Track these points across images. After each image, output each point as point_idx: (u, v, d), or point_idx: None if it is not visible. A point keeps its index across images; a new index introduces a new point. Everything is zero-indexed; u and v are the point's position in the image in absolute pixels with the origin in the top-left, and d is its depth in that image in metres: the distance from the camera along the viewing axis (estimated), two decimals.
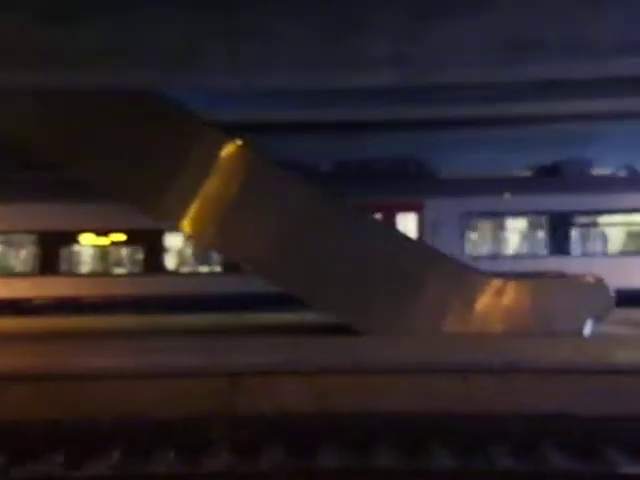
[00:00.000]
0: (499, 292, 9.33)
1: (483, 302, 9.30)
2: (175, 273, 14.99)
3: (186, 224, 9.71)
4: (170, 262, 15.08)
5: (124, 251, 15.20)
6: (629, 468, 5.71)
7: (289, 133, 14.71)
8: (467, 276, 9.53)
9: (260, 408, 6.71)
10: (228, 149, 9.62)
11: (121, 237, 14.66)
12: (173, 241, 14.89)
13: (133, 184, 9.51)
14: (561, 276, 10.08)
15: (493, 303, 9.28)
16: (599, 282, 9.48)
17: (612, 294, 9.37)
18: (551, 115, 14.86)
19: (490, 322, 9.21)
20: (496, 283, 9.45)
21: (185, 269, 15.33)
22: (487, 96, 12.90)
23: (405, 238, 10.27)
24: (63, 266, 14.71)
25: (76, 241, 14.81)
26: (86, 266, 15.25)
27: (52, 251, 14.51)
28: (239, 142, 9.72)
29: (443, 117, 14.33)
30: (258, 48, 7.97)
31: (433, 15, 7.79)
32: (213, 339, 8.76)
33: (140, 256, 14.91)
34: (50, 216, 14.36)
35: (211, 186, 9.51)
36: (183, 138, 9.48)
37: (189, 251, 15.28)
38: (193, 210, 9.52)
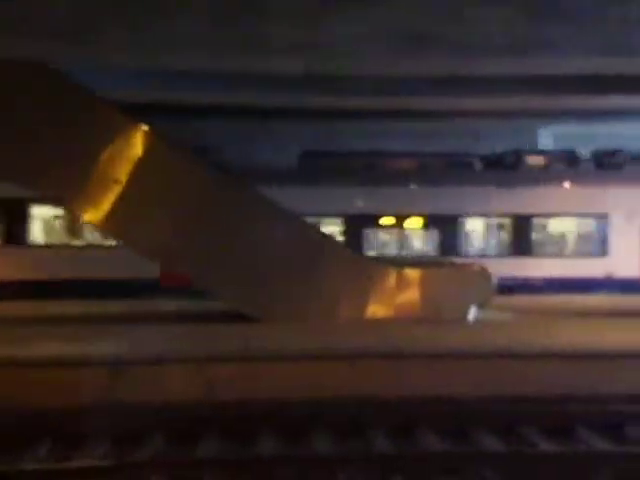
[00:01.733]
0: (389, 279, 9.62)
1: (374, 289, 9.56)
2: None
3: (80, 206, 9.31)
4: None
5: None
6: (496, 447, 6.06)
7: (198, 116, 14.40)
8: (359, 263, 9.76)
9: (144, 397, 6.56)
10: (125, 129, 9.26)
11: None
12: None
13: (20, 159, 8.97)
14: (448, 265, 10.53)
15: (383, 290, 9.56)
16: (482, 270, 9.99)
17: (494, 282, 9.92)
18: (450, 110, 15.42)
19: (380, 309, 9.48)
20: (386, 271, 9.73)
21: None
22: (384, 88, 13.18)
23: (302, 225, 10.33)
24: None
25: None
26: None
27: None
28: (134, 121, 9.39)
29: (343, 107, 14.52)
30: (161, 27, 7.73)
31: (336, 3, 7.83)
32: (97, 327, 8.44)
33: None
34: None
35: (105, 168, 9.14)
36: (77, 116, 9.05)
37: None
38: (87, 193, 9.12)
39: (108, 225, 9.37)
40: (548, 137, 21.37)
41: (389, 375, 7.29)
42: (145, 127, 9.37)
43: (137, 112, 10.27)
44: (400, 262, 10.43)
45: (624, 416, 6.58)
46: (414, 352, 7.46)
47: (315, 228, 10.85)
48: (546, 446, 6.04)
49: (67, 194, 9.22)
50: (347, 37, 8.09)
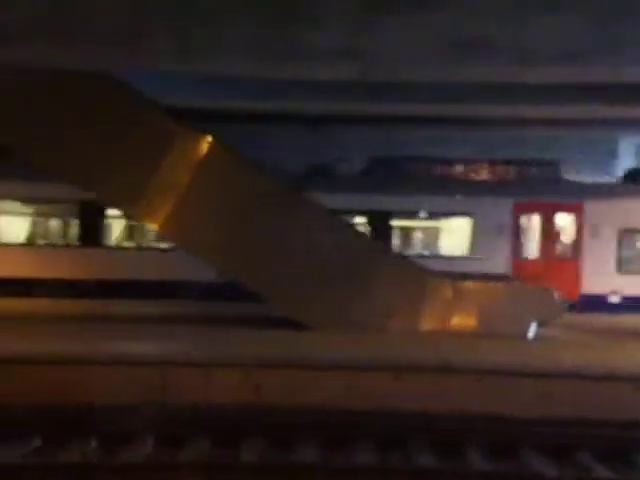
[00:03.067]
0: (446, 293, 9.39)
1: (430, 302, 9.35)
2: None
3: (138, 211, 9.63)
4: None
5: None
6: (550, 470, 5.76)
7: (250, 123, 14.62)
8: (416, 275, 9.56)
9: (192, 399, 6.67)
10: (182, 136, 9.50)
11: None
12: None
13: (83, 167, 9.37)
14: (509, 281, 10.18)
15: (440, 304, 9.34)
16: (546, 288, 9.61)
17: (560, 300, 9.51)
18: (505, 118, 15.00)
19: (434, 322, 9.26)
20: (443, 284, 9.50)
21: None
22: (440, 95, 12.96)
23: (357, 234, 10.26)
24: None
25: None
26: None
27: None
28: (190, 128, 9.63)
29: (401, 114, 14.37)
30: (209, 33, 7.90)
31: (385, 10, 7.78)
32: (149, 327, 8.65)
33: None
34: None
35: (165, 174, 9.40)
36: (138, 124, 9.36)
37: None
38: (146, 197, 9.40)
39: (166, 230, 9.63)
40: (629, 147, 20.45)
41: (436, 389, 7.11)
42: (202, 133, 9.59)
43: (193, 118, 10.51)
44: (459, 275, 10.16)
45: None
46: (463, 367, 7.23)
47: (368, 236, 10.73)
48: (601, 472, 5.70)
49: (127, 200, 9.51)
50: (396, 43, 8.00)
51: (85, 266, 12.73)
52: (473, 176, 15.75)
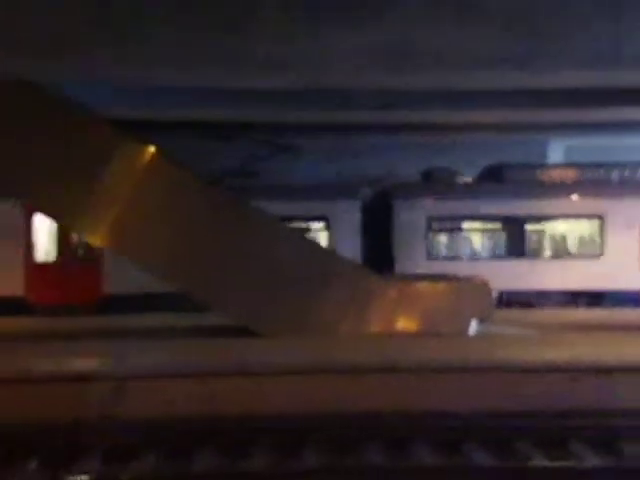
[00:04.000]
0: (391, 294, 9.68)
1: (376, 304, 9.61)
2: None
3: (77, 221, 9.48)
4: None
5: None
6: (490, 462, 6.07)
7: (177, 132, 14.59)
8: (360, 277, 9.82)
9: (147, 412, 6.65)
10: (123, 146, 9.44)
11: None
12: None
13: (22, 179, 9.18)
14: (449, 279, 10.57)
15: (386, 305, 9.61)
16: (482, 285, 10.02)
17: (494, 296, 9.95)
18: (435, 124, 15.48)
19: (381, 323, 9.53)
20: (388, 285, 9.79)
21: None
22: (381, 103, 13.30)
23: (303, 239, 10.45)
24: None
25: None
26: None
27: None
28: (130, 138, 9.58)
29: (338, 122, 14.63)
30: (143, 42, 7.91)
31: (321, 20, 7.99)
32: (100, 342, 8.57)
33: None
34: None
35: (106, 185, 9.32)
36: (71, 134, 9.24)
37: None
38: (87, 209, 9.29)
39: (110, 242, 9.53)
40: (559, 151, 21.42)
41: (386, 389, 7.34)
42: (144, 143, 9.56)
43: (144, 129, 10.46)
44: (402, 276, 10.49)
45: (619, 431, 6.57)
46: (411, 366, 7.50)
47: (316, 243, 10.93)
48: (539, 460, 6.05)
49: (67, 212, 9.37)
50: (331, 52, 8.22)
51: None
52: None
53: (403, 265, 13.23)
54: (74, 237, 12.98)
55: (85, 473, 5.64)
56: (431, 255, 13.51)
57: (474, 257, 13.94)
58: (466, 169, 16.64)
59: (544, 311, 12.84)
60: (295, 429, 6.50)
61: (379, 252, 13.35)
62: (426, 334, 9.33)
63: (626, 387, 7.34)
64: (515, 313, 12.25)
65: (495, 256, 13.84)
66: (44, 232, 13.13)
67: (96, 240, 9.97)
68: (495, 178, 14.15)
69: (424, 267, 13.06)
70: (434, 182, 14.19)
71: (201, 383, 6.92)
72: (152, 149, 9.55)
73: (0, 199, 11.64)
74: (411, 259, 13.26)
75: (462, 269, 12.34)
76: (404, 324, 9.60)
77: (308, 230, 13.60)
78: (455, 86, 10.79)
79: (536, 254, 13.89)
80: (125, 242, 9.50)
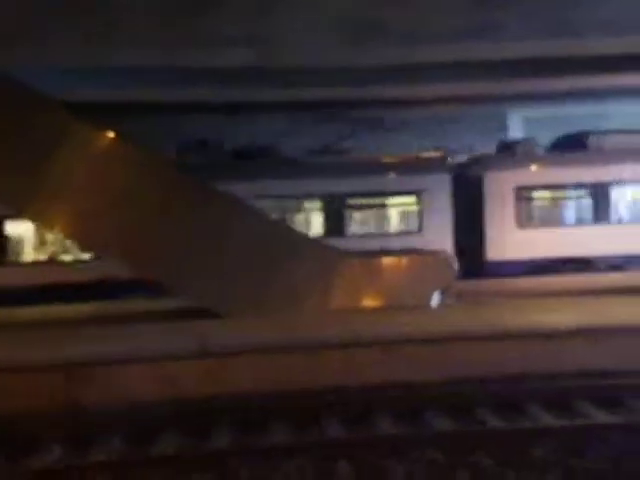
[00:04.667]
0: (352, 269, 9.69)
1: (339, 280, 9.61)
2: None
3: (32, 208, 9.25)
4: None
5: None
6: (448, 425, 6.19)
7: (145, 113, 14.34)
8: (321, 254, 9.80)
9: (102, 398, 6.59)
10: (79, 131, 9.20)
11: None
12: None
13: None
14: (411, 252, 10.63)
15: (346, 280, 9.63)
16: (444, 257, 10.12)
17: (456, 268, 10.05)
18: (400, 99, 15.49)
19: (344, 299, 9.55)
20: (350, 261, 9.80)
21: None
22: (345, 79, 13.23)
23: (264, 219, 10.36)
24: None
25: None
26: None
27: None
28: (91, 123, 9.35)
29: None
30: (105, 24, 7.73)
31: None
32: (49, 330, 8.41)
33: None
34: None
35: (61, 171, 9.08)
36: (26, 120, 8.96)
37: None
38: (42, 196, 9.05)
39: (67, 230, 9.33)
40: (517, 122, 21.63)
41: (348, 364, 7.39)
42: (100, 127, 9.34)
43: (87, 111, 10.20)
44: (365, 252, 10.50)
45: (572, 392, 6.76)
46: (372, 340, 7.56)
47: (277, 220, 10.87)
48: (495, 423, 6.19)
49: (20, 202, 9.14)
50: (296, 28, 8.15)
51: None
52: None
53: (493, 236, 13.32)
54: None
55: (46, 462, 5.57)
56: (521, 224, 13.53)
57: (563, 224, 14.05)
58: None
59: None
60: (258, 408, 6.50)
61: (469, 224, 13.44)
62: (389, 307, 9.39)
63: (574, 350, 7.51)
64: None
65: (583, 222, 13.98)
66: None
67: (50, 227, 9.73)
68: (578, 146, 14.12)
69: (515, 237, 13.28)
70: (518, 153, 14.12)
71: (159, 367, 6.85)
72: (107, 132, 9.34)
73: None
74: (501, 229, 13.32)
75: (552, 236, 12.95)
76: (368, 299, 9.64)
77: (401, 205, 13.77)
78: (419, 59, 10.74)
79: (622, 219, 13.92)
80: (81, 228, 9.29)
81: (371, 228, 14.01)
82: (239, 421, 6.32)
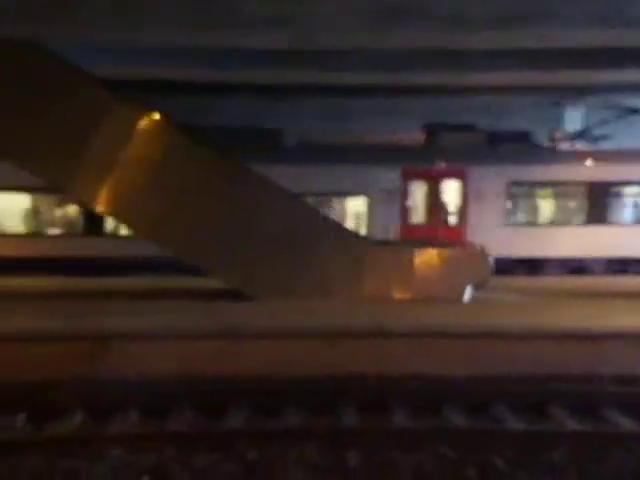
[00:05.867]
0: (385, 260, 9.59)
1: (369, 269, 9.53)
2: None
3: (70, 184, 9.48)
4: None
5: None
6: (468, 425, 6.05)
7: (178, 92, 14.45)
8: (353, 242, 9.73)
9: (123, 372, 6.73)
10: (119, 109, 9.35)
11: None
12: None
13: (13, 141, 9.17)
14: (444, 244, 10.43)
15: (376, 270, 9.53)
16: (480, 251, 9.87)
17: (491, 262, 9.80)
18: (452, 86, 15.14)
19: (373, 288, 9.46)
20: (382, 251, 9.69)
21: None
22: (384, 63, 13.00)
23: (297, 203, 10.32)
24: None
25: None
26: None
27: None
28: (131, 100, 9.50)
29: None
30: (138, 2, 7.78)
31: None
32: (78, 302, 8.63)
33: None
34: None
35: (101, 148, 9.27)
36: (72, 96, 9.15)
37: None
38: (79, 170, 9.24)
39: (104, 206, 9.53)
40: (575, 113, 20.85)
41: (371, 354, 7.32)
42: (138, 105, 9.47)
43: (125, 88, 10.34)
44: (397, 242, 10.37)
45: (604, 397, 6.49)
46: (398, 331, 7.45)
47: (310, 206, 10.85)
48: (514, 424, 6.01)
49: (61, 176, 9.35)
50: (330, 10, 8.01)
51: None
52: None
53: None
54: None
55: (65, 431, 5.74)
56: None
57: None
58: None
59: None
60: (273, 392, 6.51)
61: None
62: (419, 300, 9.25)
63: (616, 354, 7.22)
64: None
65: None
66: None
67: (91, 204, 9.97)
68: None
69: None
70: None
71: (179, 345, 6.94)
72: (148, 111, 9.48)
73: None
74: None
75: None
76: (398, 290, 9.52)
77: None
78: (467, 46, 10.43)
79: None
80: (118, 207, 9.49)
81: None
82: (254, 404, 6.36)
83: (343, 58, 12.50)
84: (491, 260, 9.81)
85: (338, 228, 10.03)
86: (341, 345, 7.33)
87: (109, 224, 14.10)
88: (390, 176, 13.91)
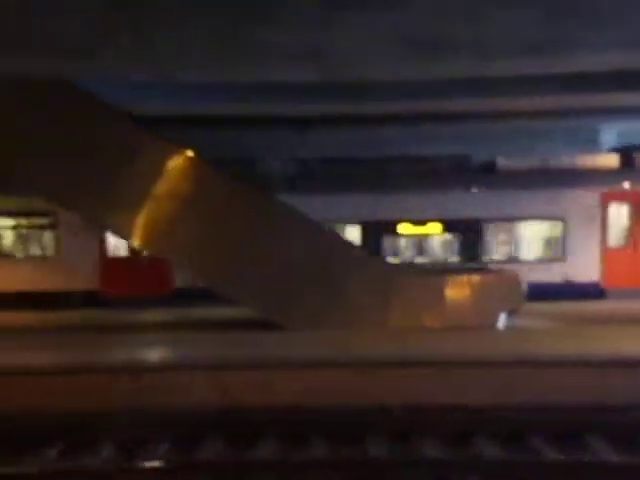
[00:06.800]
0: (414, 288, 9.52)
1: (399, 298, 9.48)
2: None
3: (107, 216, 9.73)
4: None
5: None
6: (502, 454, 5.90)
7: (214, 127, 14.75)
8: (384, 272, 9.70)
9: (163, 403, 6.81)
10: (149, 144, 9.62)
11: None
12: None
13: (53, 180, 9.50)
14: (478, 271, 10.31)
15: (408, 298, 9.47)
16: (513, 277, 9.73)
17: (525, 288, 9.64)
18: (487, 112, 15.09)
19: (405, 318, 9.39)
20: (411, 279, 9.64)
21: None
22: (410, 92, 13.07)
23: (328, 233, 10.40)
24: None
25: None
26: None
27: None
28: (157, 136, 9.76)
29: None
30: (169, 41, 8.02)
31: (347, 8, 7.87)
32: (118, 334, 8.81)
33: None
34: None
35: (130, 178, 9.51)
36: (109, 135, 9.48)
37: None
38: (113, 203, 9.48)
39: (140, 240, 9.76)
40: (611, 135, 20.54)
41: (403, 383, 7.23)
42: (170, 142, 9.74)
43: (158, 124, 10.63)
44: (428, 269, 10.30)
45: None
46: (423, 360, 7.37)
47: (341, 236, 10.87)
48: (551, 454, 5.84)
49: (102, 212, 9.66)
50: (359, 42, 8.12)
51: None
52: None
53: None
54: None
55: (103, 462, 5.83)
56: None
57: None
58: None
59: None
60: (302, 422, 6.50)
61: None
62: (453, 327, 9.13)
63: None
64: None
65: None
66: None
67: (126, 237, 10.22)
68: None
69: None
70: None
71: (214, 375, 7.01)
72: (175, 146, 9.74)
73: None
74: None
75: None
76: (429, 318, 9.43)
77: None
78: (497, 73, 10.42)
79: None
80: (154, 239, 9.70)
81: None
82: (284, 434, 6.36)
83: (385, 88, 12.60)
84: (524, 285, 9.66)
85: (367, 256, 10.03)
86: (368, 374, 7.27)
87: None
88: (588, 199, 13.84)
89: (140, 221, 9.57)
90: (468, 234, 13.27)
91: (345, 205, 13.21)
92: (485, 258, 13.24)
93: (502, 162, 15.11)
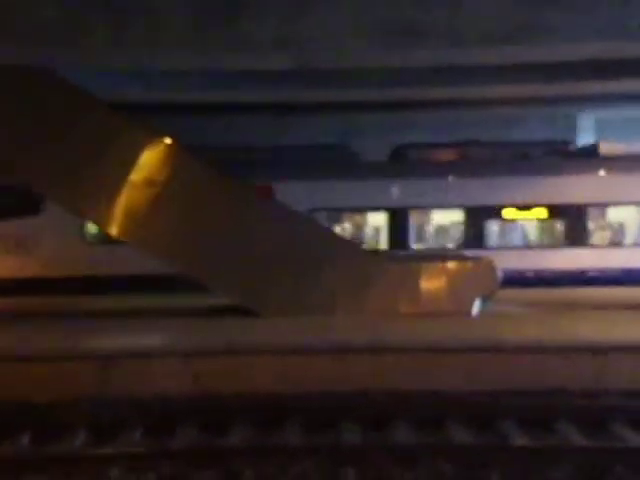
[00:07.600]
0: (389, 274, 9.55)
1: (375, 284, 9.50)
2: None
3: (82, 205, 9.62)
4: None
5: None
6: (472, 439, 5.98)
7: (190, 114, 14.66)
8: (360, 257, 9.71)
9: (132, 390, 6.78)
10: (127, 131, 9.52)
11: None
12: None
13: (30, 166, 9.37)
14: (453, 257, 10.35)
15: (383, 284, 9.49)
16: (487, 263, 9.79)
17: (499, 274, 9.71)
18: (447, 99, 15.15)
19: (380, 304, 9.42)
20: (387, 265, 9.66)
21: None
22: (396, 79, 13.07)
23: (302, 219, 10.36)
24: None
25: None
26: None
27: None
28: (135, 123, 9.65)
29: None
30: (144, 28, 7.94)
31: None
32: (82, 321, 8.70)
33: None
34: None
35: (107, 165, 9.40)
36: (84, 121, 9.35)
37: None
38: (85, 189, 9.34)
39: (112, 227, 9.66)
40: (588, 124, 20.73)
41: (377, 369, 7.28)
42: (147, 126, 9.62)
43: (137, 111, 10.51)
44: (404, 256, 10.33)
45: (613, 411, 6.37)
46: (399, 347, 7.41)
47: (316, 222, 10.86)
48: (518, 439, 5.92)
49: (76, 200, 9.49)
50: (332, 30, 8.09)
51: None
52: None
53: None
54: None
55: (70, 451, 5.78)
56: None
57: None
58: None
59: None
60: (275, 408, 6.51)
61: None
62: (427, 314, 9.18)
63: (621, 367, 7.10)
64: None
65: None
66: None
67: (102, 225, 10.11)
68: None
69: None
70: None
71: (185, 362, 6.99)
72: (158, 134, 9.63)
73: None
74: None
75: None
76: (405, 304, 9.46)
77: None
78: (474, 61, 10.44)
79: None
80: (127, 226, 9.61)
81: None
82: (255, 420, 6.36)
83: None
84: (499, 272, 9.73)
85: (344, 243, 10.03)
86: (343, 361, 7.30)
87: None
88: None
89: (116, 208, 9.47)
90: (572, 219, 12.92)
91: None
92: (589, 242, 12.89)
93: (605, 146, 14.79)
